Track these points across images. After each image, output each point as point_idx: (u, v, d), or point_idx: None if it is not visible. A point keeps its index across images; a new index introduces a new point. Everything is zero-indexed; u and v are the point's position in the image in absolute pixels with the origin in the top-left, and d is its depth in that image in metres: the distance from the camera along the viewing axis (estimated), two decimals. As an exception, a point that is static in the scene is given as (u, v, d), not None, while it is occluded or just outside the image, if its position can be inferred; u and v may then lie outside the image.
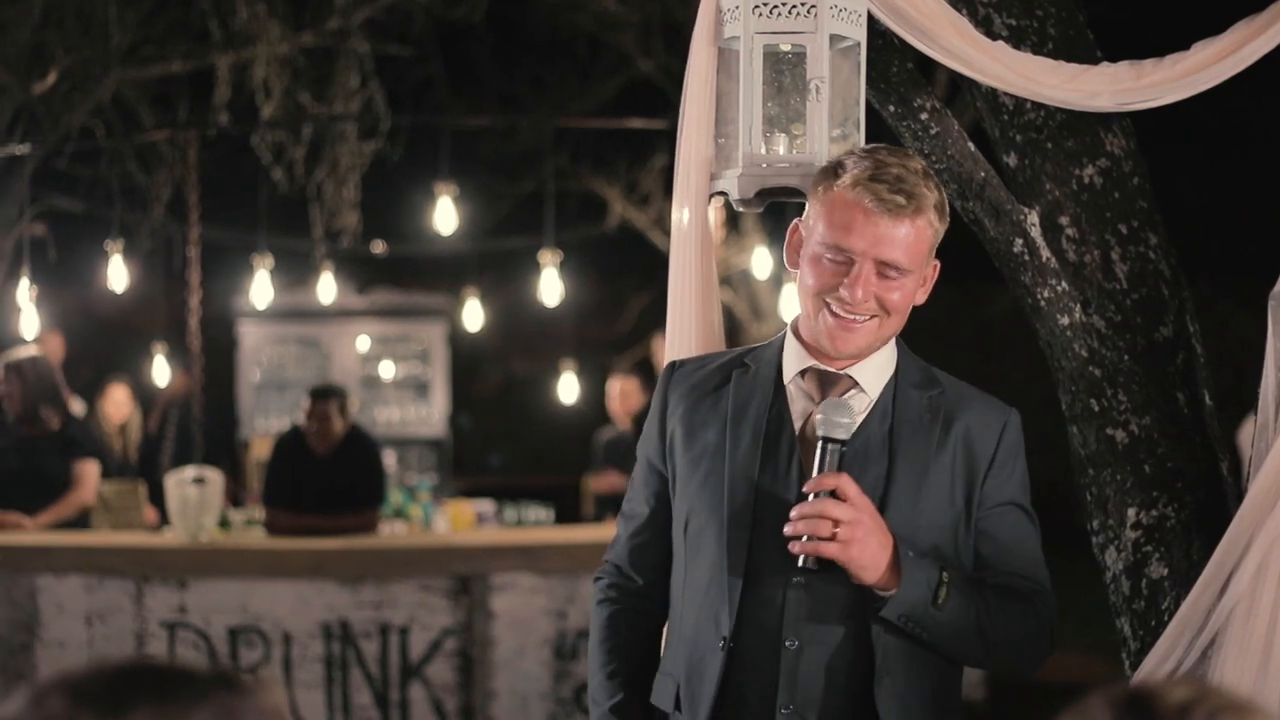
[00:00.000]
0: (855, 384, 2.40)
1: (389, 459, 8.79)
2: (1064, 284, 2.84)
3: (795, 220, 2.46)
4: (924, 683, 2.37)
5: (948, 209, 2.40)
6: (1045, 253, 2.84)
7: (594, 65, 11.12)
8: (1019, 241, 2.84)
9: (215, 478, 6.60)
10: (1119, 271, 2.85)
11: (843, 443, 2.31)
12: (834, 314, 2.35)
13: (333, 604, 6.24)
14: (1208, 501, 2.84)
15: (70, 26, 7.69)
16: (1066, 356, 2.87)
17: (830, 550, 2.25)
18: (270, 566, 6.33)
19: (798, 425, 2.41)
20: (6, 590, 6.30)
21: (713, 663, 2.37)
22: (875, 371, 2.42)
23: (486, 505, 7.79)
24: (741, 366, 2.48)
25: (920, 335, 2.67)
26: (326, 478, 6.77)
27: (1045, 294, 2.84)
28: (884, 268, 2.32)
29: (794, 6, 2.62)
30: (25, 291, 8.10)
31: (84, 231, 9.54)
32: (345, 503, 6.74)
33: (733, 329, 11.09)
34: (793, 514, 2.29)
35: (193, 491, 6.44)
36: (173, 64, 8.43)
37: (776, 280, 10.10)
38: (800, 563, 2.29)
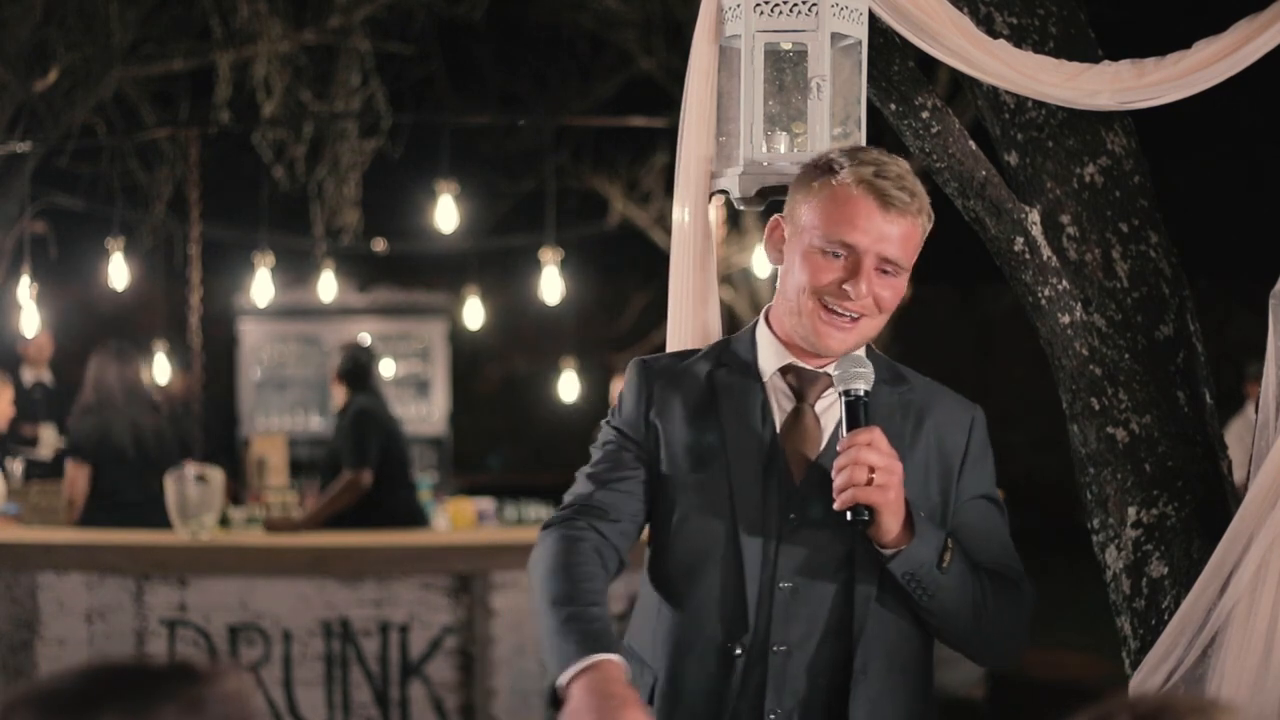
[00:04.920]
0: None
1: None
2: (1065, 282, 2.84)
3: (775, 216, 2.44)
4: (899, 686, 2.37)
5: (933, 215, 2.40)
6: (1046, 251, 2.84)
7: (595, 63, 11.13)
8: (1020, 240, 2.84)
9: (216, 475, 6.60)
10: (1120, 270, 2.85)
11: (865, 394, 2.30)
12: (829, 310, 2.34)
13: (333, 602, 6.24)
14: (1208, 500, 2.84)
15: (71, 24, 7.69)
16: (1067, 355, 2.87)
17: (871, 495, 2.22)
18: (270, 564, 6.33)
19: (778, 424, 2.38)
20: (7, 587, 6.30)
21: (706, 666, 2.35)
22: None
23: (487, 503, 7.79)
24: (721, 366, 2.45)
25: (921, 335, 2.69)
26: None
27: (1046, 292, 2.84)
28: (884, 264, 2.32)
29: (795, 5, 2.62)
30: (26, 289, 8.11)
31: (85, 229, 9.55)
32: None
33: (733, 328, 11.03)
34: (835, 465, 2.26)
35: (193, 489, 6.43)
36: (174, 62, 8.42)
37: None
38: (848, 516, 2.25)
